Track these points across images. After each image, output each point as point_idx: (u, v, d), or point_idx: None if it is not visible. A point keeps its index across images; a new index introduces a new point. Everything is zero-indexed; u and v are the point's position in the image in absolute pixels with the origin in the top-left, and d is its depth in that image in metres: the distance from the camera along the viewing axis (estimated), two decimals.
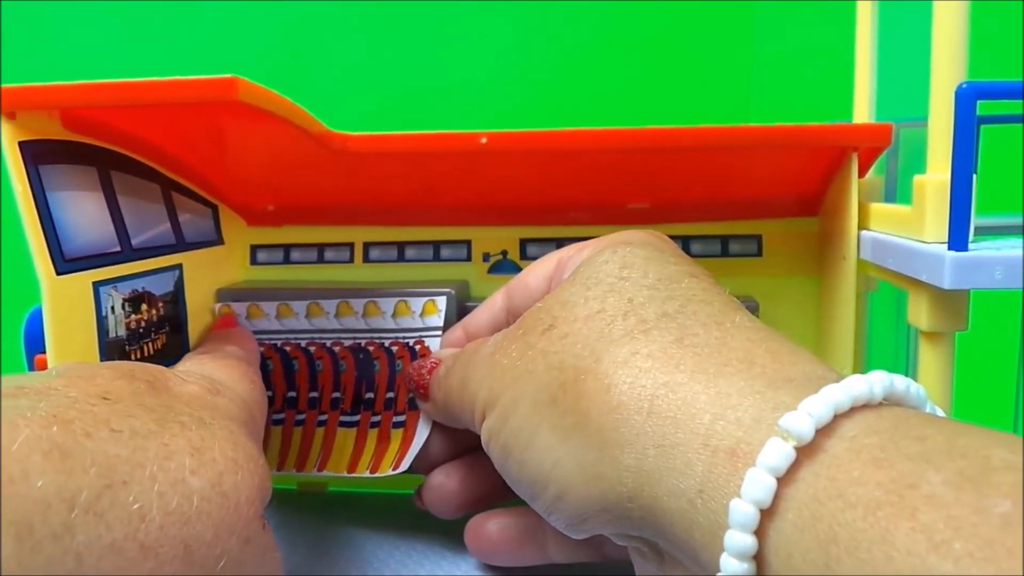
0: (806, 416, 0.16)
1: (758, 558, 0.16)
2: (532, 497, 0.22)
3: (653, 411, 0.19)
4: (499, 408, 0.23)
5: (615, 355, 0.20)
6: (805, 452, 0.16)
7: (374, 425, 0.32)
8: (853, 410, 0.16)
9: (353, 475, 0.31)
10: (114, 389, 0.21)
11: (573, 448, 0.20)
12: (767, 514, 0.16)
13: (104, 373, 0.21)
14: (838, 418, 0.16)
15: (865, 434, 0.15)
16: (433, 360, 0.29)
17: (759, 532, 0.16)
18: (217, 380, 0.25)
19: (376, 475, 0.31)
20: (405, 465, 0.30)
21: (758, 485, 0.16)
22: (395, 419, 0.32)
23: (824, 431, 0.16)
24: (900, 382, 0.17)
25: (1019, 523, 0.12)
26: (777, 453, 0.16)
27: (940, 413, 0.18)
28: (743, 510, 0.16)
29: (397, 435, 0.32)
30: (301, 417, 0.33)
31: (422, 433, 0.30)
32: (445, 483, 0.29)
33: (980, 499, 0.13)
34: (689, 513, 0.17)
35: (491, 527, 0.28)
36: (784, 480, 0.16)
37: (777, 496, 0.16)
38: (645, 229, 0.26)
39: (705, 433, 0.17)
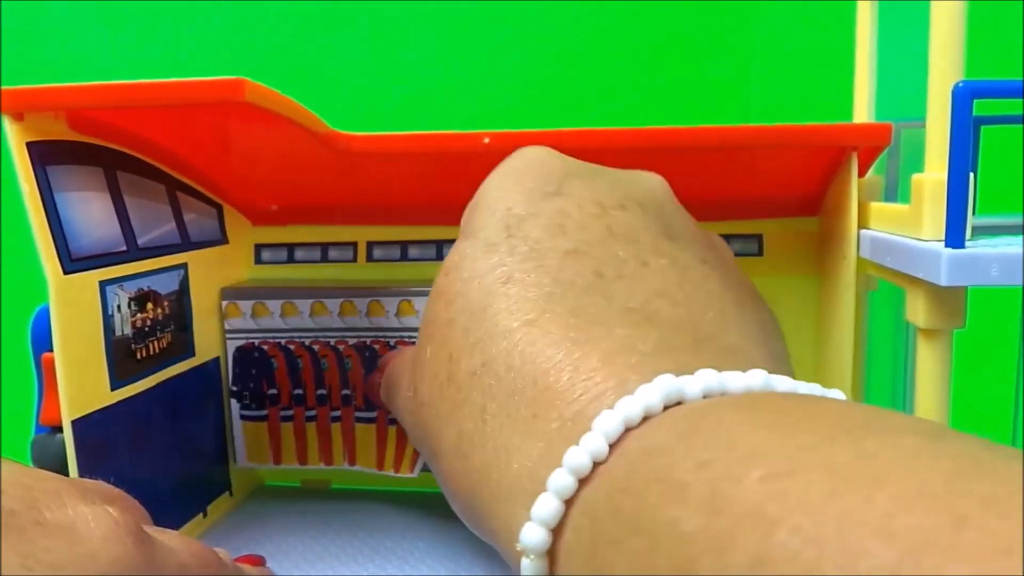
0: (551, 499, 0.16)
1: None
2: None
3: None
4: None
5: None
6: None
7: (392, 422, 0.33)
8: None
9: (382, 472, 0.33)
10: None
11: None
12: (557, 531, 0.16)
13: None
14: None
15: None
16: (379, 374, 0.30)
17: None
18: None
19: (400, 475, 0.32)
20: (419, 471, 0.32)
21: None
22: None
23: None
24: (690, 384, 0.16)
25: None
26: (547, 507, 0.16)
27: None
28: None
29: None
30: (312, 414, 0.34)
31: None
32: None
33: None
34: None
35: None
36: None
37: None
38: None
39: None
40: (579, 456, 0.16)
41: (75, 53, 0.62)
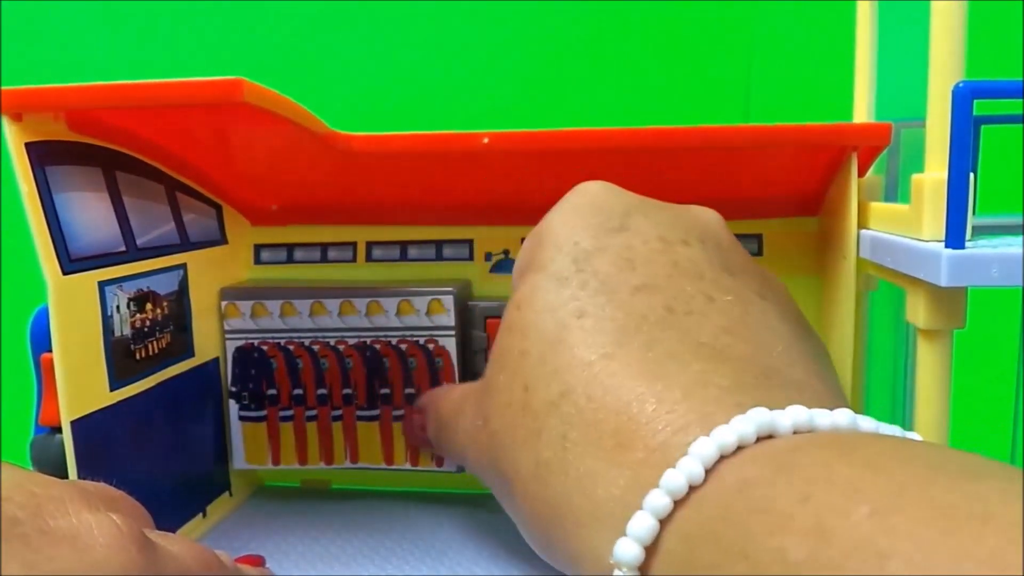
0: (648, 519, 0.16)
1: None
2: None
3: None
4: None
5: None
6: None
7: (397, 419, 0.33)
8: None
9: (393, 467, 0.34)
10: None
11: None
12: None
13: None
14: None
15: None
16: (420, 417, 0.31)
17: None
18: None
19: (418, 468, 0.33)
20: (449, 463, 0.33)
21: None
22: None
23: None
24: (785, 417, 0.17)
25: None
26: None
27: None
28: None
29: None
30: (312, 413, 0.34)
31: None
32: None
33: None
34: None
35: None
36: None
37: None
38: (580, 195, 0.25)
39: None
40: (676, 478, 0.16)
41: (75, 53, 0.62)
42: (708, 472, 0.16)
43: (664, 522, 0.16)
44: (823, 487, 0.14)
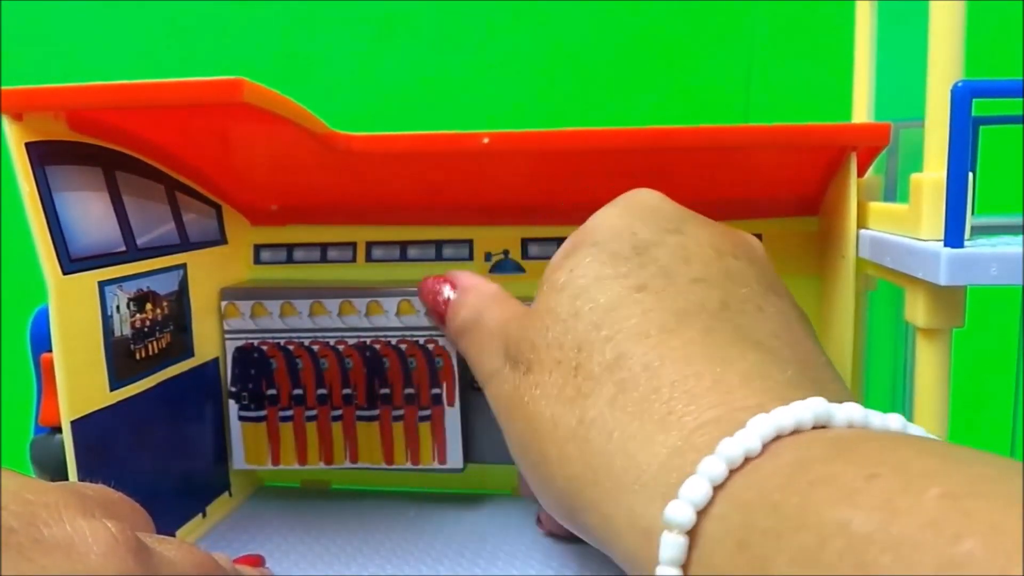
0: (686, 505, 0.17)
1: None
2: (519, 459, 0.24)
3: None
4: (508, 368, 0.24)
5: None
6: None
7: (397, 419, 0.33)
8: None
9: (393, 467, 0.34)
10: None
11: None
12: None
13: None
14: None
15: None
16: (448, 291, 0.29)
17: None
18: None
19: (418, 468, 0.33)
20: (453, 461, 0.33)
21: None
22: (420, 413, 0.33)
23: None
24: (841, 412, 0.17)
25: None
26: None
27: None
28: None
29: (425, 428, 0.33)
30: (312, 413, 0.34)
31: (453, 427, 0.33)
32: None
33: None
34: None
35: None
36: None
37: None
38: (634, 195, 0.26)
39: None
40: (733, 448, 0.16)
41: (75, 53, 0.62)
42: (764, 448, 0.16)
43: (717, 489, 0.16)
44: (890, 468, 0.14)
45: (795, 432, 0.17)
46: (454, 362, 0.33)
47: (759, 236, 0.33)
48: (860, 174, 0.29)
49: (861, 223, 0.29)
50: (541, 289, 0.24)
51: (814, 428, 0.17)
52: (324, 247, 0.36)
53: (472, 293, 0.28)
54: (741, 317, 0.22)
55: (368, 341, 0.33)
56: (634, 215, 0.24)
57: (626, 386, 0.20)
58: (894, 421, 0.17)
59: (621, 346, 0.21)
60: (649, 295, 0.22)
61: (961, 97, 0.21)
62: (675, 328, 0.21)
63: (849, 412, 0.17)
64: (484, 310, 0.27)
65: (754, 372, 0.19)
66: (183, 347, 0.32)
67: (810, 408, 0.17)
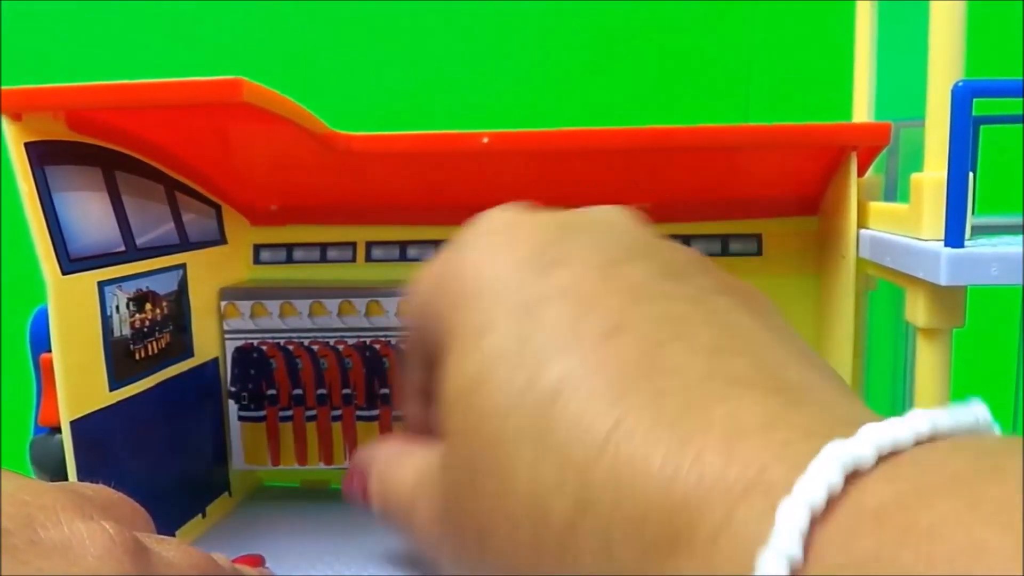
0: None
1: None
2: None
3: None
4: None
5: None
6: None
7: (397, 419, 0.33)
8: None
9: None
10: None
11: None
12: None
13: None
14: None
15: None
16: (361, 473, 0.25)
17: None
18: None
19: None
20: None
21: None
22: None
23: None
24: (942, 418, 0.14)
25: None
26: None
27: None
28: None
29: None
30: (312, 413, 0.34)
31: None
32: None
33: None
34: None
35: None
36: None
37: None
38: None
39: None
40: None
41: (75, 53, 0.62)
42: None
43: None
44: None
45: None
46: None
47: (759, 236, 0.34)
48: (860, 174, 0.29)
49: (861, 223, 0.29)
50: (450, 425, 0.19)
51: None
52: (324, 247, 0.36)
53: (369, 464, 0.24)
54: (676, 351, 0.17)
55: (368, 341, 0.33)
56: (499, 258, 0.20)
57: (613, 518, 0.15)
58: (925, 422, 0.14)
59: (582, 477, 0.16)
60: (570, 394, 0.17)
61: (961, 97, 0.21)
62: (623, 415, 0.16)
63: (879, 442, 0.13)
64: (387, 481, 0.23)
65: (726, 425, 0.15)
66: (183, 347, 0.32)
67: (870, 441, 0.13)
